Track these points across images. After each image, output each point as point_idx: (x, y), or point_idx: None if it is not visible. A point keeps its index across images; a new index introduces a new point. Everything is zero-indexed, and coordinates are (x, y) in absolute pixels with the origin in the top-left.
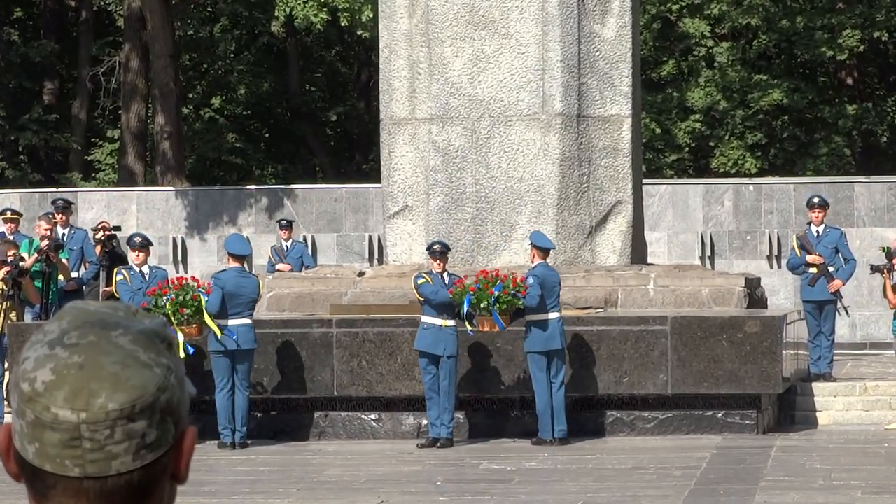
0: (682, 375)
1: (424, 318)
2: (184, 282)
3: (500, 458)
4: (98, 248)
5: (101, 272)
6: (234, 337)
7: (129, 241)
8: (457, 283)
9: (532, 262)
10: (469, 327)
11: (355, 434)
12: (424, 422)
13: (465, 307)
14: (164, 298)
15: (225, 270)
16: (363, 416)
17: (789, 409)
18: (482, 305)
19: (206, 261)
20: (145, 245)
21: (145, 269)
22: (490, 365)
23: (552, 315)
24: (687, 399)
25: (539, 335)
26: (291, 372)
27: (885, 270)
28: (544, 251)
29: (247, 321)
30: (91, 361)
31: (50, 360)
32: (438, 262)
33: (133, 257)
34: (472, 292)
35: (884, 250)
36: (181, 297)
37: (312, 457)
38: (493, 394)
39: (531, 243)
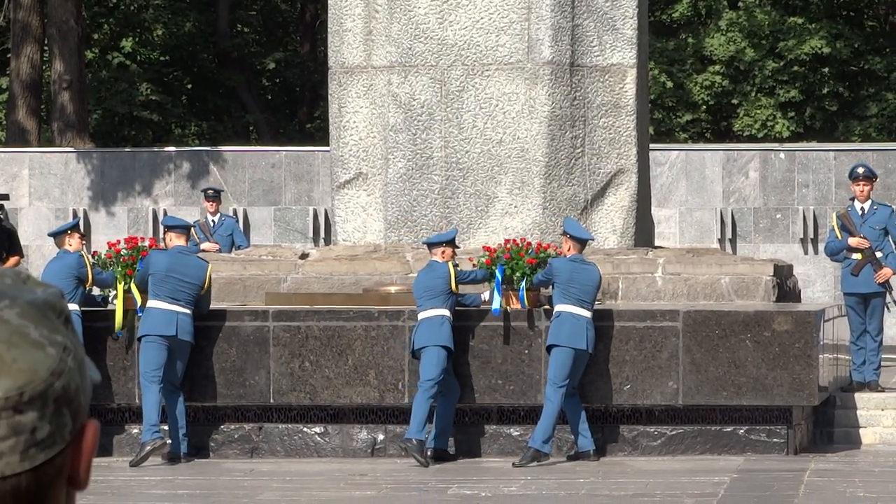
0: (697, 383)
1: (443, 312)
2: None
3: (473, 481)
4: None
5: None
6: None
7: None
8: (486, 250)
9: (567, 255)
10: (495, 305)
11: (296, 451)
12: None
13: (498, 279)
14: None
15: (164, 250)
16: (305, 430)
17: (827, 425)
18: (516, 276)
19: (114, 238)
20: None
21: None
22: (465, 370)
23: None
24: (702, 412)
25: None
26: (218, 374)
27: None
28: (581, 242)
29: (186, 310)
30: None
31: None
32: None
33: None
34: (506, 260)
35: None
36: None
37: (243, 478)
38: (464, 403)
39: (564, 232)
